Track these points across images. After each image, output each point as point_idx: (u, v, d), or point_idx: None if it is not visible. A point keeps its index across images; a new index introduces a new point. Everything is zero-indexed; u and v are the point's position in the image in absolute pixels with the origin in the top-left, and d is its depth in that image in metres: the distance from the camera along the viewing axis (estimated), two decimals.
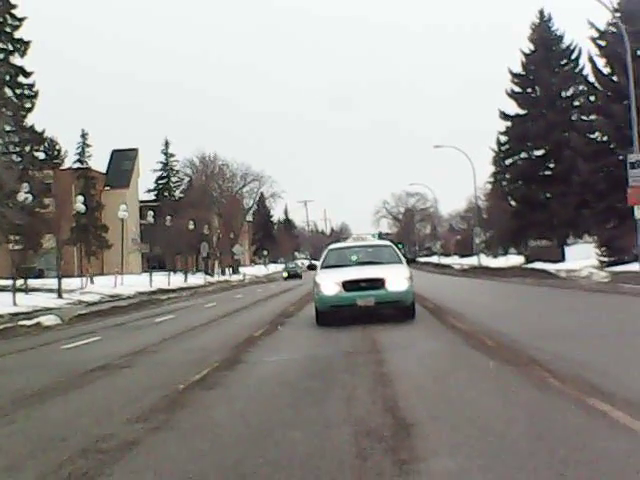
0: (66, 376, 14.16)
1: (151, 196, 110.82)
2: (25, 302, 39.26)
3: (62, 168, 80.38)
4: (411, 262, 27.48)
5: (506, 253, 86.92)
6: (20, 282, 44.97)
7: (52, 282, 50.21)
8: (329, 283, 20.60)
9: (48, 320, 29.60)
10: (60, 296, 45.39)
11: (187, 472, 6.88)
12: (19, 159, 53.72)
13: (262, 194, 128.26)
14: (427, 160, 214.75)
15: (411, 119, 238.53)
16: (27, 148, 56.17)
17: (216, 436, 8.27)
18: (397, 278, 20.43)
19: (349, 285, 20.20)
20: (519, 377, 10.51)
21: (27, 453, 8.15)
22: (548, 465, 6.24)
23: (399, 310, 20.69)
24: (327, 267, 22.47)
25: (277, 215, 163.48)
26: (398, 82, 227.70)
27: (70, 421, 9.91)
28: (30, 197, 48.26)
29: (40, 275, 63.04)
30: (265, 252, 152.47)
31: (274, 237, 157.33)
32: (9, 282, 42.08)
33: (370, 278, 20.36)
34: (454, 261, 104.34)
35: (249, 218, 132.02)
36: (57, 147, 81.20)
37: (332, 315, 20.67)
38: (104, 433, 8.73)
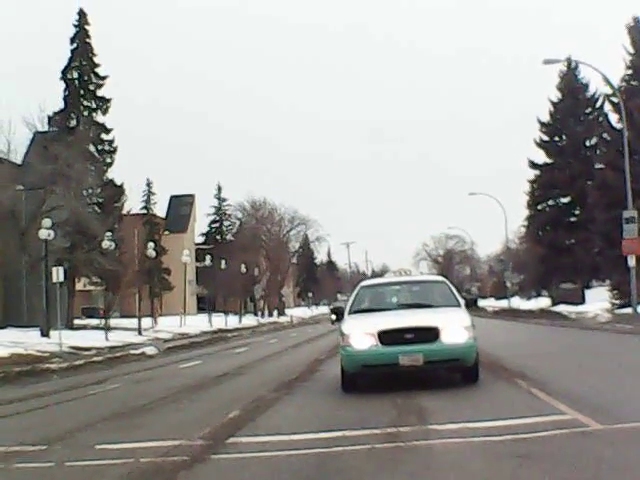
0: (203, 380, 21.27)
1: (203, 239, 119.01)
2: (113, 338, 46.18)
3: (125, 213, 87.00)
4: (471, 306, 18.51)
5: (538, 295, 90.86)
6: (95, 322, 52.71)
7: (117, 322, 56.89)
8: (360, 334, 15.39)
9: (150, 350, 37.25)
10: (140, 333, 52.60)
11: (303, 407, 13.88)
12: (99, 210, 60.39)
13: (307, 237, 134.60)
14: (464, 203, 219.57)
15: (452, 159, 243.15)
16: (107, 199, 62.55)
17: (312, 396, 15.13)
18: (455, 327, 15.45)
19: (388, 337, 15.10)
20: (495, 377, 16.93)
21: (228, 401, 15.70)
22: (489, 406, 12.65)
23: (456, 371, 16.19)
24: (358, 312, 16.96)
25: (320, 257, 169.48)
26: (441, 120, 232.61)
27: (234, 393, 17.53)
28: (113, 244, 55.32)
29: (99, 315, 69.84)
30: (310, 294, 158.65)
31: (317, 279, 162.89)
32: (85, 321, 49.36)
33: (418, 327, 15.29)
34: (489, 303, 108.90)
35: (294, 261, 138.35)
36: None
37: (363, 378, 16.00)
38: (258, 396, 16.09)
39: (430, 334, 15.12)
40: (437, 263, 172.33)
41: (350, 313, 17.07)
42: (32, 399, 19.23)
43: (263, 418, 13.18)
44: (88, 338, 43.73)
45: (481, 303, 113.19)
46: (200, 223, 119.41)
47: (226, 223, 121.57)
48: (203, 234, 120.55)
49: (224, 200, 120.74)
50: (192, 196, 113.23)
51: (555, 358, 21.31)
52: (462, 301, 17.41)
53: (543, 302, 79.66)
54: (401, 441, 9.98)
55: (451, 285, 18.29)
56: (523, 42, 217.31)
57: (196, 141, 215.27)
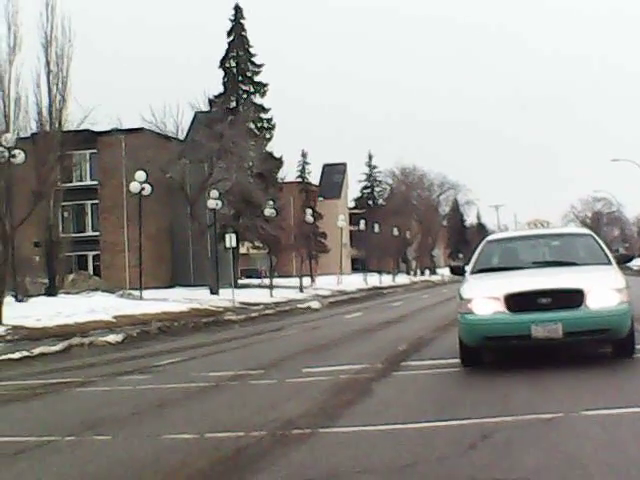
0: (368, 326, 24.97)
1: (355, 204, 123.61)
2: (276, 295, 50.40)
3: (283, 182, 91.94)
4: (624, 263, 15.11)
5: None
6: (256, 282, 57.74)
7: (276, 281, 60.94)
8: (482, 298, 12.64)
9: (314, 304, 41.28)
10: (301, 290, 56.98)
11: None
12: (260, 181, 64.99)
13: (456, 201, 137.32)
14: (611, 166, 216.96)
15: (602, 119, 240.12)
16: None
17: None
18: (604, 289, 12.51)
19: (518, 301, 12.34)
20: None
21: (395, 339, 19.14)
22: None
23: (605, 344, 13.06)
24: (481, 271, 14.15)
25: (470, 220, 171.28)
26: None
27: (398, 334, 20.78)
28: (274, 212, 59.73)
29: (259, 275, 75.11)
30: (460, 255, 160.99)
31: (467, 241, 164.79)
32: (246, 281, 53.77)
33: (556, 289, 12.41)
34: (636, 263, 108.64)
35: (444, 223, 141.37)
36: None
37: (486, 351, 13.32)
38: (419, 336, 19.54)
39: (572, 298, 12.17)
40: (585, 225, 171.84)
41: (473, 273, 14.18)
42: (229, 342, 23.18)
43: (426, 349, 16.61)
44: (254, 295, 48.08)
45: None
46: (352, 189, 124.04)
47: (377, 189, 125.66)
48: (355, 199, 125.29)
49: (374, 167, 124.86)
50: (344, 164, 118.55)
51: None
52: (613, 258, 14.23)
53: None
54: None
55: (599, 239, 15.10)
56: None
57: (346, 110, 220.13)
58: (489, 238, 15.94)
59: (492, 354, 13.42)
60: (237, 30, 70.41)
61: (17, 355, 20.60)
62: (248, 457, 7.82)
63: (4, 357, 20.34)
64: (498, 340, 12.45)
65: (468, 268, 14.57)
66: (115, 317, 30.64)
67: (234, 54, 69.99)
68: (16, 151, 32.37)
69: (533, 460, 6.85)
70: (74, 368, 18.04)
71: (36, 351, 21.29)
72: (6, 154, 31.63)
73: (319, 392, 11.74)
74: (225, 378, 14.19)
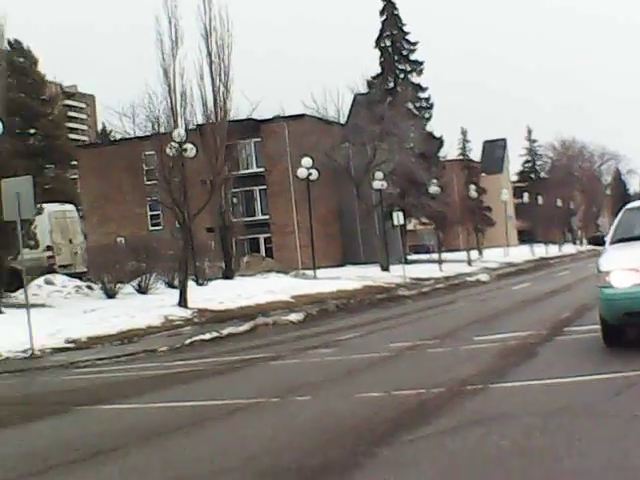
0: (535, 296, 26.50)
1: (517, 178, 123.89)
2: (445, 269, 51.57)
3: (444, 159, 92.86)
4: None
5: None
6: (424, 257, 59.40)
7: (444, 256, 62.03)
8: (621, 270, 11.67)
9: (483, 277, 42.72)
10: (469, 264, 58.25)
11: None
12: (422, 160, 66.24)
13: (618, 170, 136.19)
14: None
15: None
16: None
17: None
18: None
19: None
20: None
21: (560, 308, 20.39)
22: None
23: None
24: (621, 241, 12.92)
25: (633, 188, 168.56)
26: None
27: (563, 303, 21.95)
28: (438, 189, 60.90)
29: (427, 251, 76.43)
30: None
31: None
32: (414, 257, 55.20)
33: None
34: None
35: (607, 192, 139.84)
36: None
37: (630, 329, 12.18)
38: (582, 304, 20.16)
39: None
40: None
41: (612, 243, 13.08)
42: (404, 316, 24.82)
43: (588, 315, 17.46)
44: (423, 270, 49.25)
45: None
46: (513, 164, 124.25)
47: (538, 162, 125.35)
48: (517, 173, 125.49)
49: (534, 141, 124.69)
50: (504, 140, 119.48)
51: None
52: None
53: None
54: None
55: None
56: None
57: (503, 89, 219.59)
58: (629, 206, 14.50)
59: (637, 331, 12.38)
60: (389, 9, 71.05)
61: (208, 336, 22.40)
62: (430, 408, 9.27)
63: (196, 338, 22.15)
64: (638, 316, 11.40)
65: (607, 238, 13.56)
66: (293, 297, 32.17)
67: (388, 33, 70.64)
68: (188, 145, 34.07)
69: None
70: (263, 345, 19.68)
71: (225, 332, 23.11)
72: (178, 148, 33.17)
73: (489, 356, 13.15)
74: (404, 348, 15.68)
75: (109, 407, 11.94)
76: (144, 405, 11.82)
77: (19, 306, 26.58)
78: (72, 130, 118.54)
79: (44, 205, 33.74)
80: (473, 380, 10.70)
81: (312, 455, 7.50)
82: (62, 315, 26.11)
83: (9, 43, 45.94)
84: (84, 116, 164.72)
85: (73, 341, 21.98)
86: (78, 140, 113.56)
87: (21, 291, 28.74)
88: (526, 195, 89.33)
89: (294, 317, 26.22)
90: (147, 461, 8.15)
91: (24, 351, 20.29)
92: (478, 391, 9.96)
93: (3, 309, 27.01)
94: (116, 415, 11.29)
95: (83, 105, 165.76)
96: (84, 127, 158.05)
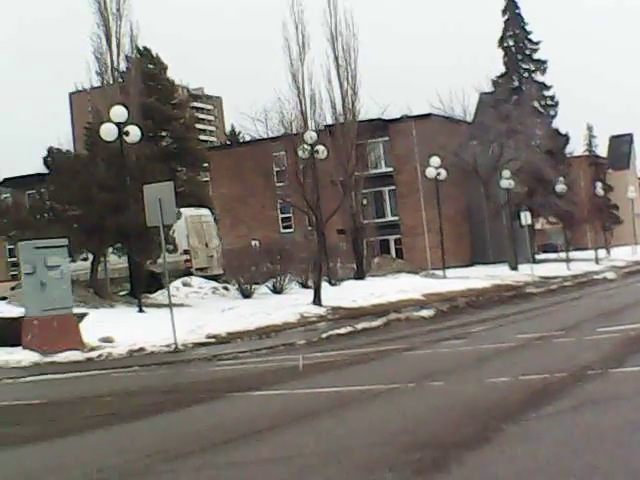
0: None
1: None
2: (573, 267, 51.78)
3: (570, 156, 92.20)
4: None
5: None
6: (552, 256, 59.83)
7: (572, 254, 61.95)
8: None
9: (610, 275, 43.48)
10: (597, 262, 58.45)
11: None
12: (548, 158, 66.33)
13: None
14: None
15: None
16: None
17: None
18: None
19: None
20: None
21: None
22: None
23: None
24: None
25: None
26: None
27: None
28: (565, 187, 60.89)
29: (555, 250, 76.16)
30: None
31: None
32: (543, 256, 55.60)
33: None
34: None
35: None
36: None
37: None
38: None
39: None
40: None
41: None
42: (531, 311, 25.74)
43: None
44: (551, 269, 49.71)
45: None
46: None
47: None
48: None
49: None
50: (630, 135, 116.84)
51: None
52: None
53: None
54: None
55: None
56: None
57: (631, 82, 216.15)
58: None
59: None
60: (510, 8, 71.64)
61: (343, 330, 23.46)
62: (553, 390, 10.23)
63: (332, 332, 23.25)
64: None
65: None
66: (424, 295, 33.02)
67: (511, 33, 71.18)
68: (320, 147, 35.19)
69: None
70: (396, 338, 20.66)
71: (359, 326, 24.13)
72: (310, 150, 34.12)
73: (611, 345, 14.07)
74: (531, 339, 16.62)
75: (258, 393, 12.85)
76: (291, 391, 12.73)
77: (158, 306, 28.28)
78: (201, 131, 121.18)
79: (181, 209, 35.25)
80: (594, 366, 11.63)
81: (447, 432, 8.46)
82: (201, 313, 27.40)
83: (139, 51, 47.59)
84: (211, 117, 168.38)
85: (213, 336, 22.95)
86: (207, 141, 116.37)
87: (159, 292, 30.64)
88: None
89: (425, 313, 27.23)
90: (301, 438, 9.01)
91: (167, 345, 21.16)
92: (597, 375, 10.92)
93: (144, 309, 28.47)
94: (266, 400, 12.24)
95: (210, 107, 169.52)
96: (211, 128, 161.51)
